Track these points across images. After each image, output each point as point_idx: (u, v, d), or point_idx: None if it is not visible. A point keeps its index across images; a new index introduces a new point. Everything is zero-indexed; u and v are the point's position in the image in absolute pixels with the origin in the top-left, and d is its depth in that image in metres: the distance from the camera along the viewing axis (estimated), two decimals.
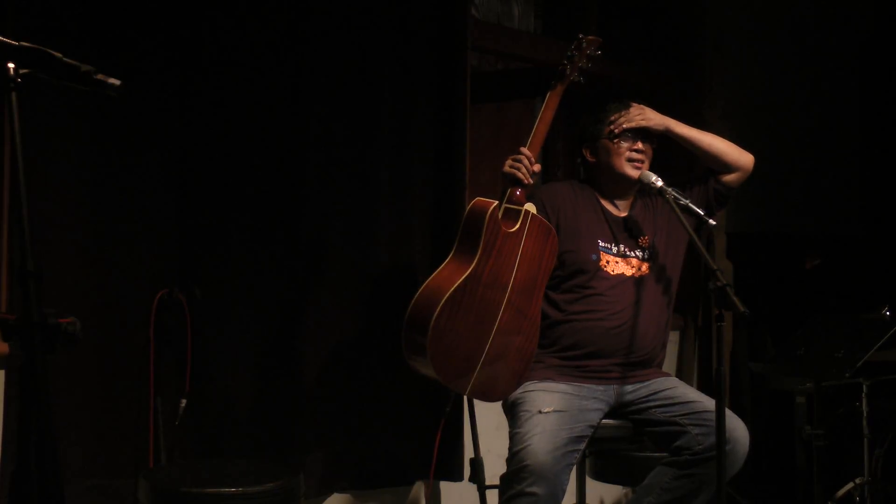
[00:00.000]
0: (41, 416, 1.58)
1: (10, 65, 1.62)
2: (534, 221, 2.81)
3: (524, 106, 4.32)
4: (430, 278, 2.77)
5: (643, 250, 3.00)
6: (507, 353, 2.77)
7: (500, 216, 2.75)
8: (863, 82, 5.36)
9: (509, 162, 2.79)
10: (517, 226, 2.78)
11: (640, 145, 3.00)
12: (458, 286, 2.69)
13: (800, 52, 5.01)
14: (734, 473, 2.79)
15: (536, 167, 2.80)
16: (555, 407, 2.76)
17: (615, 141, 2.99)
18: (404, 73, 3.37)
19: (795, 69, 5.00)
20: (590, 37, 2.96)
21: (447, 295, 2.66)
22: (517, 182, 2.78)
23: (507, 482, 2.70)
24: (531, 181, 2.79)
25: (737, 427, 2.75)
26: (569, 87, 2.93)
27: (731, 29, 4.58)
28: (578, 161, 3.19)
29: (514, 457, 2.69)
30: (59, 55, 1.68)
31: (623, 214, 3.05)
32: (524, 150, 2.79)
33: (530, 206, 2.81)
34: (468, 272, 2.71)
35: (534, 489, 2.62)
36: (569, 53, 2.93)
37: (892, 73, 5.19)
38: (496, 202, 2.77)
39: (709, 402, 2.82)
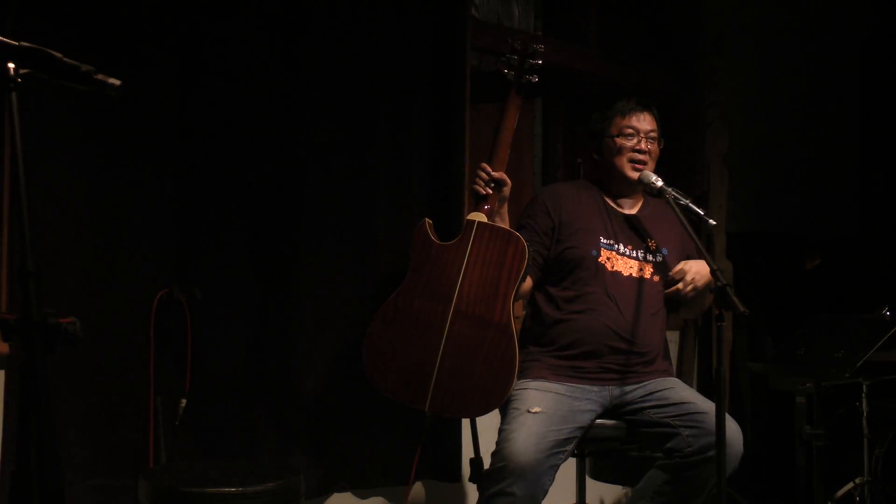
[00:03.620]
0: (41, 416, 1.58)
1: (10, 65, 1.62)
2: (481, 229, 2.83)
3: (524, 106, 4.31)
4: None
5: (647, 252, 2.99)
6: (470, 366, 2.75)
7: (431, 230, 2.86)
8: (863, 82, 5.36)
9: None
10: (459, 237, 2.83)
11: (643, 145, 2.99)
12: (388, 303, 2.80)
13: (800, 52, 5.01)
14: (729, 475, 2.76)
15: (496, 174, 2.85)
16: (544, 407, 2.74)
17: (617, 139, 2.99)
18: (403, 72, 3.37)
19: (795, 69, 5.00)
20: (522, 37, 3.01)
21: (377, 313, 2.79)
22: (477, 196, 2.87)
23: (487, 479, 2.69)
24: (489, 191, 2.85)
25: (729, 427, 2.71)
26: (523, 90, 2.97)
27: (731, 29, 4.58)
28: (578, 161, 3.20)
29: (497, 454, 2.69)
30: (59, 55, 1.68)
31: (630, 213, 3.04)
32: (483, 164, 2.87)
33: (476, 216, 2.84)
34: (398, 290, 2.82)
35: (513, 489, 2.61)
36: (503, 59, 2.97)
37: (892, 73, 5.19)
38: (426, 219, 2.90)
39: (702, 403, 2.80)
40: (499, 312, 2.77)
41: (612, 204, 3.04)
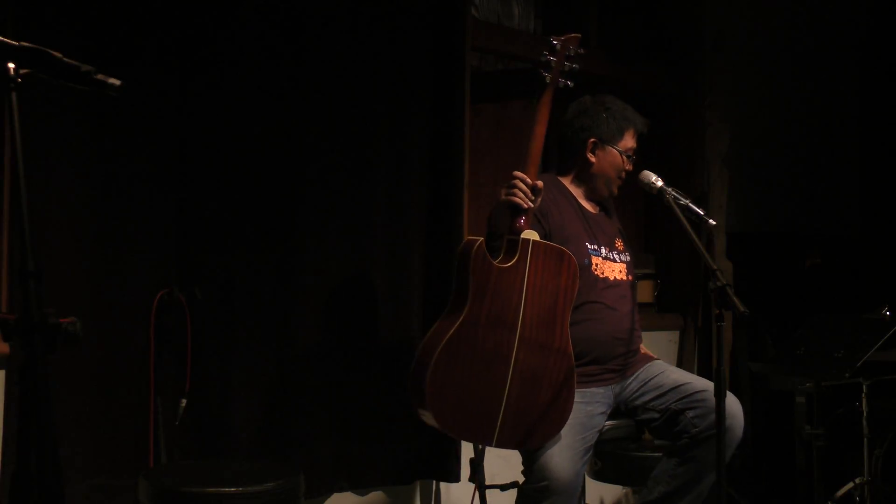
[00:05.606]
0: (41, 416, 1.58)
1: (10, 65, 1.62)
2: (537, 249, 2.63)
3: (524, 106, 4.32)
4: (429, 331, 2.67)
5: (618, 252, 3.01)
6: (536, 394, 2.63)
7: (491, 251, 2.61)
8: (862, 82, 5.36)
9: (504, 190, 2.63)
10: (515, 258, 2.61)
11: (630, 167, 3.02)
12: (451, 336, 2.55)
13: (799, 51, 5.01)
14: (734, 447, 2.82)
15: (539, 183, 2.66)
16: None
17: (625, 158, 2.98)
18: (403, 72, 3.37)
19: (795, 69, 5.00)
20: (563, 37, 2.73)
21: (439, 348, 2.54)
22: (517, 209, 2.61)
23: (527, 497, 2.70)
24: (532, 205, 2.63)
25: (730, 403, 2.75)
26: (558, 94, 2.76)
27: (730, 29, 4.58)
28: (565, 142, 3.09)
29: (536, 473, 2.68)
30: (59, 55, 1.68)
31: (595, 212, 3.05)
32: (517, 173, 2.62)
33: (530, 234, 2.64)
34: (460, 320, 2.56)
35: None
36: (543, 60, 2.71)
37: (891, 72, 5.19)
38: (482, 238, 2.62)
39: (697, 382, 2.86)
40: (558, 336, 2.66)
41: (585, 204, 3.02)
